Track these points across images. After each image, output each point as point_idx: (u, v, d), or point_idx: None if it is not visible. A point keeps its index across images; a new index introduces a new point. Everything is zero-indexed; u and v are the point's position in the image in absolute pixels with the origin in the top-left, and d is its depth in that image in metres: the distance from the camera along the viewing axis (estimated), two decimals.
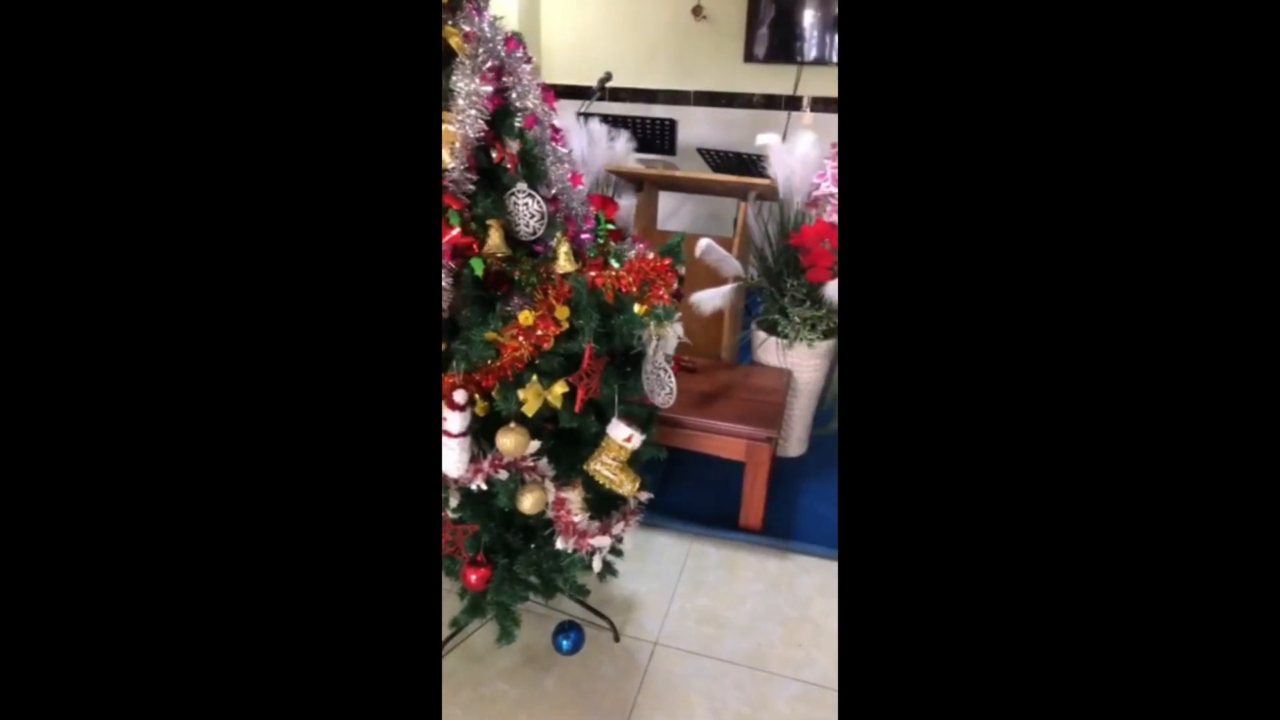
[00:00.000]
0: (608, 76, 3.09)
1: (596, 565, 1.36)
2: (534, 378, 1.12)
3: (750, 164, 2.47)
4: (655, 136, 2.78)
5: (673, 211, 3.64)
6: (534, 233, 1.23)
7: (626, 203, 2.24)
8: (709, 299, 1.91)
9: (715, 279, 2.00)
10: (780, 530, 1.91)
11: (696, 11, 3.50)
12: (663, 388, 1.23)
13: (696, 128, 3.61)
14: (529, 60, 1.18)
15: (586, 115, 2.45)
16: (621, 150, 2.28)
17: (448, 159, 1.12)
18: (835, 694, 1.45)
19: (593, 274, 1.14)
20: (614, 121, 2.48)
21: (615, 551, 1.45)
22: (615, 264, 1.24)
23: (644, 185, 2.25)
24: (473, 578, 1.31)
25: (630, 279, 1.13)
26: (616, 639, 1.58)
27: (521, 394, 1.11)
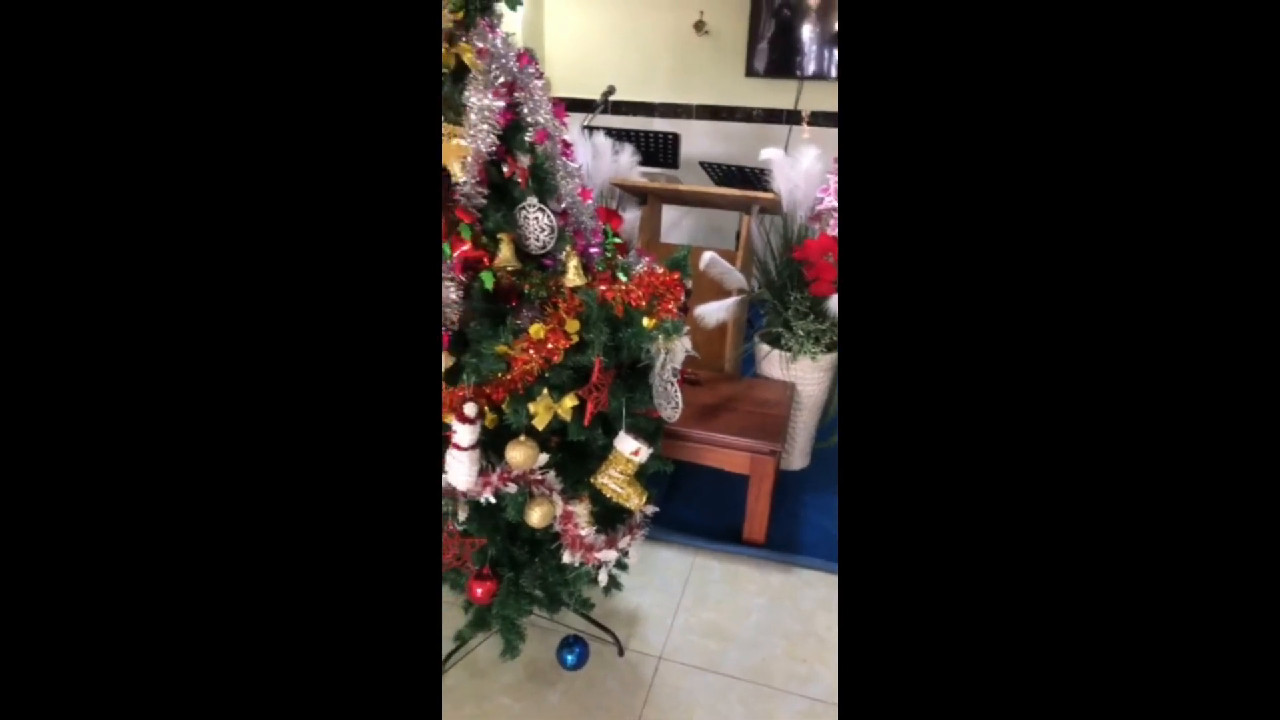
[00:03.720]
0: (611, 90, 3.12)
1: (602, 579, 1.36)
2: (544, 391, 1.12)
3: (753, 178, 2.49)
4: (658, 150, 2.80)
5: (674, 224, 3.66)
6: (544, 246, 1.24)
7: (630, 216, 2.25)
8: (713, 312, 1.92)
9: (719, 292, 2.01)
10: (784, 544, 1.90)
11: (698, 26, 3.54)
12: (670, 401, 1.23)
13: (698, 141, 3.63)
14: (540, 76, 1.19)
15: (591, 129, 2.47)
16: (625, 163, 2.29)
17: (459, 173, 1.13)
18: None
19: (603, 288, 1.14)
20: (618, 135, 2.49)
21: (620, 565, 1.44)
22: (623, 277, 1.24)
23: (648, 198, 2.27)
24: (478, 591, 1.31)
25: (640, 293, 1.14)
26: (621, 653, 1.57)
27: (532, 407, 1.11)
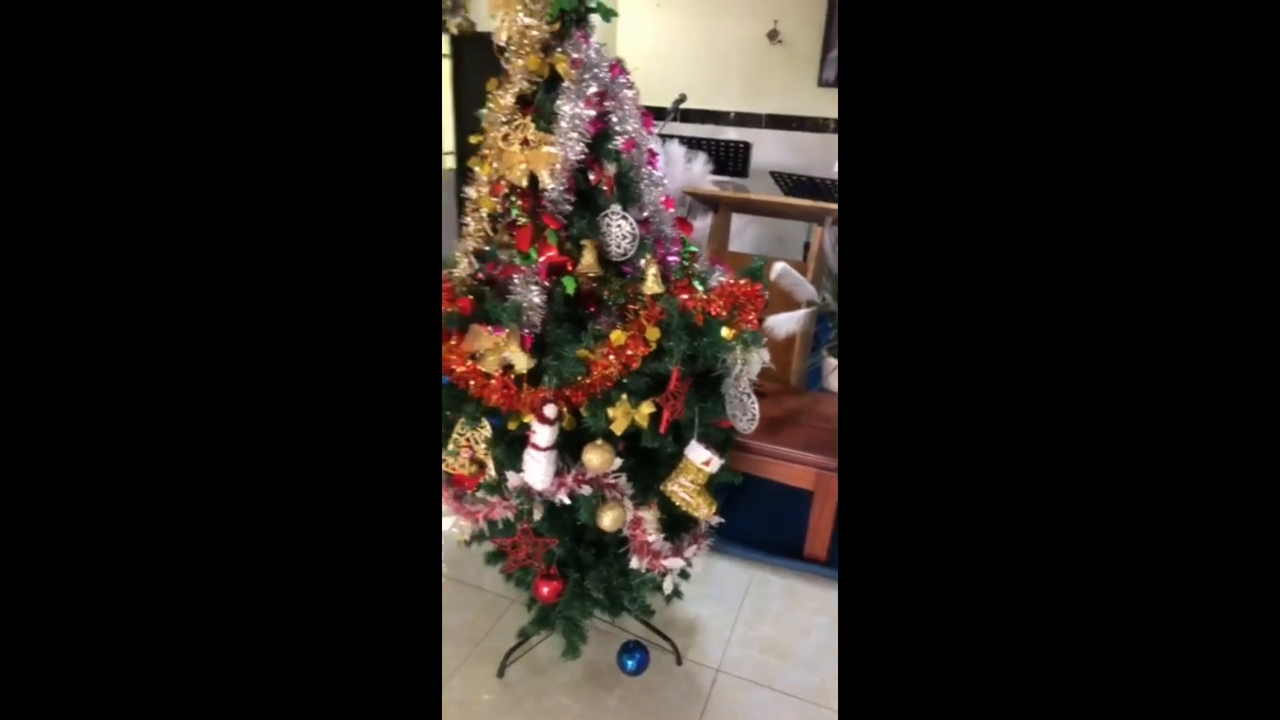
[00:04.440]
0: (682, 98, 3.13)
1: (668, 587, 1.36)
2: (623, 397, 1.13)
3: (824, 189, 2.46)
4: (729, 158, 2.79)
5: (738, 233, 3.64)
6: (624, 253, 1.25)
7: (700, 224, 2.25)
8: (783, 323, 1.90)
9: (788, 303, 1.99)
10: None
11: (772, 35, 3.52)
12: (745, 413, 1.23)
13: (767, 151, 3.61)
14: (631, 86, 1.21)
15: (663, 137, 2.49)
16: (698, 172, 2.30)
17: (548, 180, 1.16)
18: None
19: (684, 297, 1.15)
20: (691, 143, 2.50)
21: (683, 574, 1.44)
22: (699, 286, 1.24)
23: (719, 207, 2.26)
24: (545, 590, 1.33)
25: (721, 303, 1.14)
26: (679, 662, 1.56)
27: (611, 412, 1.12)
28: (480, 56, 3.17)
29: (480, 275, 1.31)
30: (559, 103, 1.15)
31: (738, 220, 3.56)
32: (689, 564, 1.39)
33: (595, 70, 1.16)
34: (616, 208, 1.22)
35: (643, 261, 1.25)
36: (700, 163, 2.29)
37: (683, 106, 3.25)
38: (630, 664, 1.46)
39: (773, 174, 2.80)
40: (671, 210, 1.31)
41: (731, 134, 3.57)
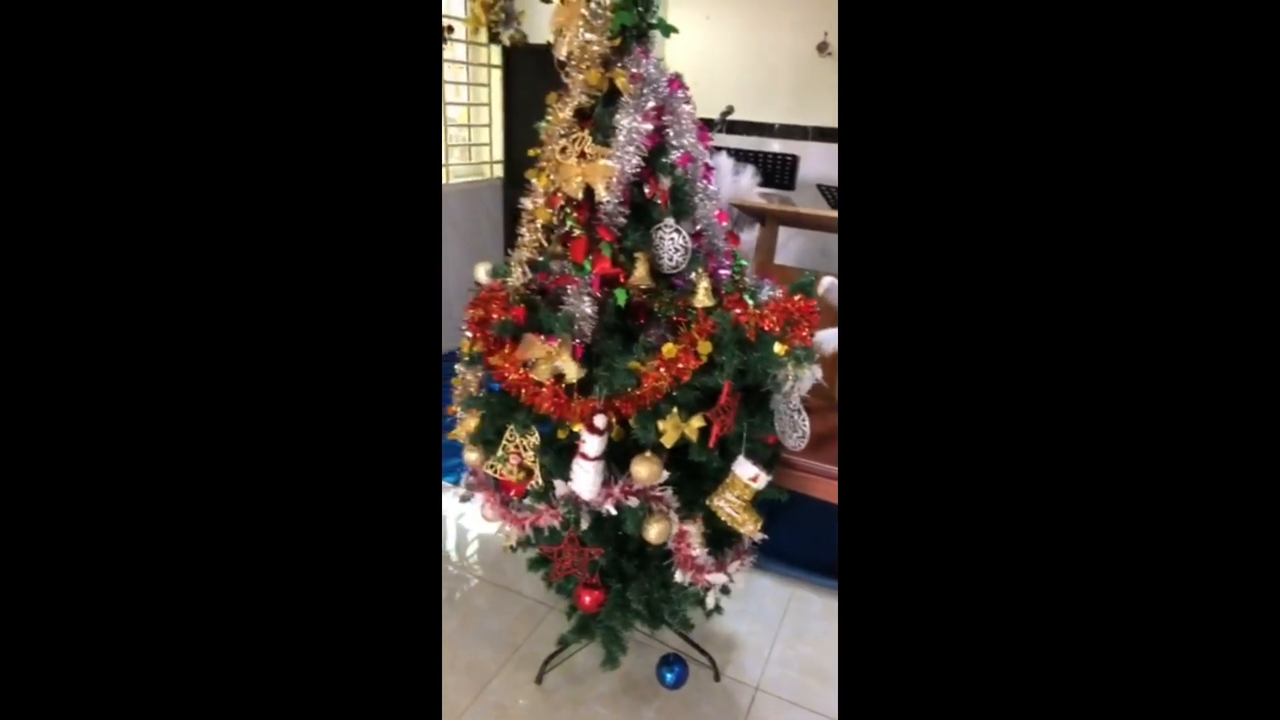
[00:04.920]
0: (730, 110, 3.14)
1: (710, 602, 1.35)
2: (674, 410, 1.13)
3: None
4: (776, 171, 2.78)
5: (782, 245, 3.62)
6: (676, 266, 1.25)
7: (746, 236, 2.24)
8: (830, 339, 1.87)
9: (834, 318, 1.97)
10: None
11: (822, 48, 3.50)
12: (795, 430, 1.22)
13: (814, 164, 3.58)
14: (689, 101, 1.21)
15: (714, 148, 2.49)
16: (745, 184, 2.29)
17: (603, 193, 1.17)
18: None
19: (737, 311, 1.14)
20: (739, 155, 2.50)
21: (725, 590, 1.43)
22: (749, 300, 1.24)
23: (766, 220, 2.25)
24: (587, 599, 1.33)
25: (774, 318, 1.13)
26: (717, 678, 1.55)
27: (660, 425, 1.12)
28: (531, 67, 3.23)
29: (533, 285, 1.33)
30: (617, 117, 1.16)
31: (782, 233, 3.54)
32: (731, 580, 1.38)
33: (654, 85, 1.17)
34: (670, 221, 1.23)
35: (694, 275, 1.25)
36: (748, 175, 2.28)
37: (730, 118, 3.25)
38: (669, 677, 1.45)
39: (819, 187, 2.77)
40: (724, 224, 1.31)
41: (777, 146, 3.55)
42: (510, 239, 3.54)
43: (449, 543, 2.03)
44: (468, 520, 2.10)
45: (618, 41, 1.16)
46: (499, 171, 3.48)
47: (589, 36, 1.15)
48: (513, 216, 3.48)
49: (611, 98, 1.19)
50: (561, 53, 1.19)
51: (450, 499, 2.18)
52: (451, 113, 3.20)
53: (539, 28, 3.20)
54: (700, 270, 1.24)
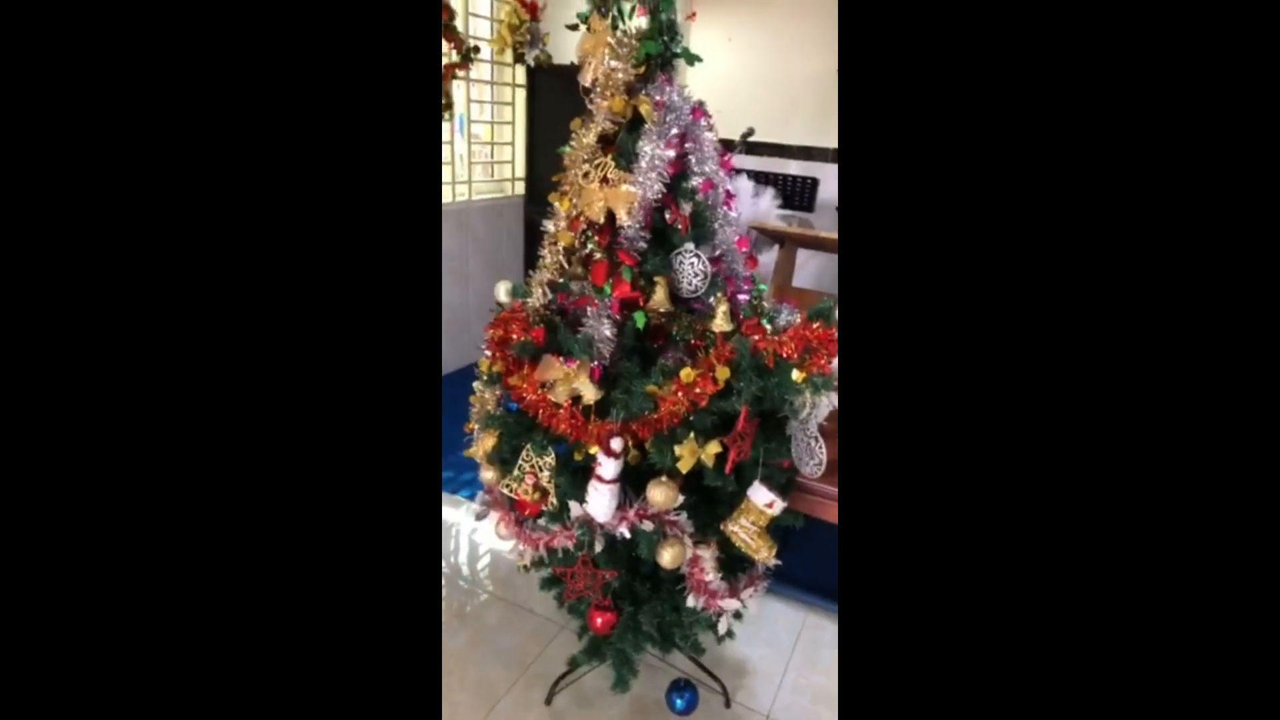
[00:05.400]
0: (750, 131, 3.15)
1: (723, 627, 1.34)
2: (690, 435, 1.13)
3: None
4: (796, 194, 2.79)
5: (800, 266, 3.62)
6: (695, 291, 1.26)
7: (765, 258, 2.25)
8: None
9: None
10: None
11: None
12: (813, 457, 1.21)
13: (834, 186, 3.58)
14: (711, 129, 1.23)
15: (734, 170, 2.51)
16: (765, 206, 2.30)
17: (625, 218, 1.18)
18: None
19: (756, 338, 1.15)
20: (759, 178, 2.51)
21: (737, 615, 1.42)
22: (767, 324, 1.24)
23: (784, 242, 2.26)
24: (598, 621, 1.33)
25: (792, 345, 1.13)
26: (728, 705, 1.53)
27: (677, 449, 1.13)
28: (554, 86, 3.28)
29: (552, 306, 1.34)
30: (640, 143, 1.18)
31: (801, 254, 3.54)
32: (744, 606, 1.37)
33: (677, 113, 1.18)
34: (690, 246, 1.24)
35: (713, 299, 1.26)
36: (768, 198, 2.29)
37: (750, 139, 3.27)
38: (680, 703, 1.44)
39: (839, 210, 2.78)
40: (745, 250, 1.31)
41: (795, 168, 3.56)
42: (530, 254, 3.58)
43: (461, 557, 2.04)
44: (480, 535, 2.10)
45: (642, 70, 1.18)
46: (520, 189, 3.53)
47: (614, 64, 1.17)
48: (532, 232, 3.52)
49: (635, 124, 1.21)
50: (587, 79, 1.21)
51: (465, 515, 2.19)
52: (476, 130, 3.25)
53: (562, 48, 3.25)
54: (719, 295, 1.25)
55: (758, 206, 2.29)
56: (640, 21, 1.17)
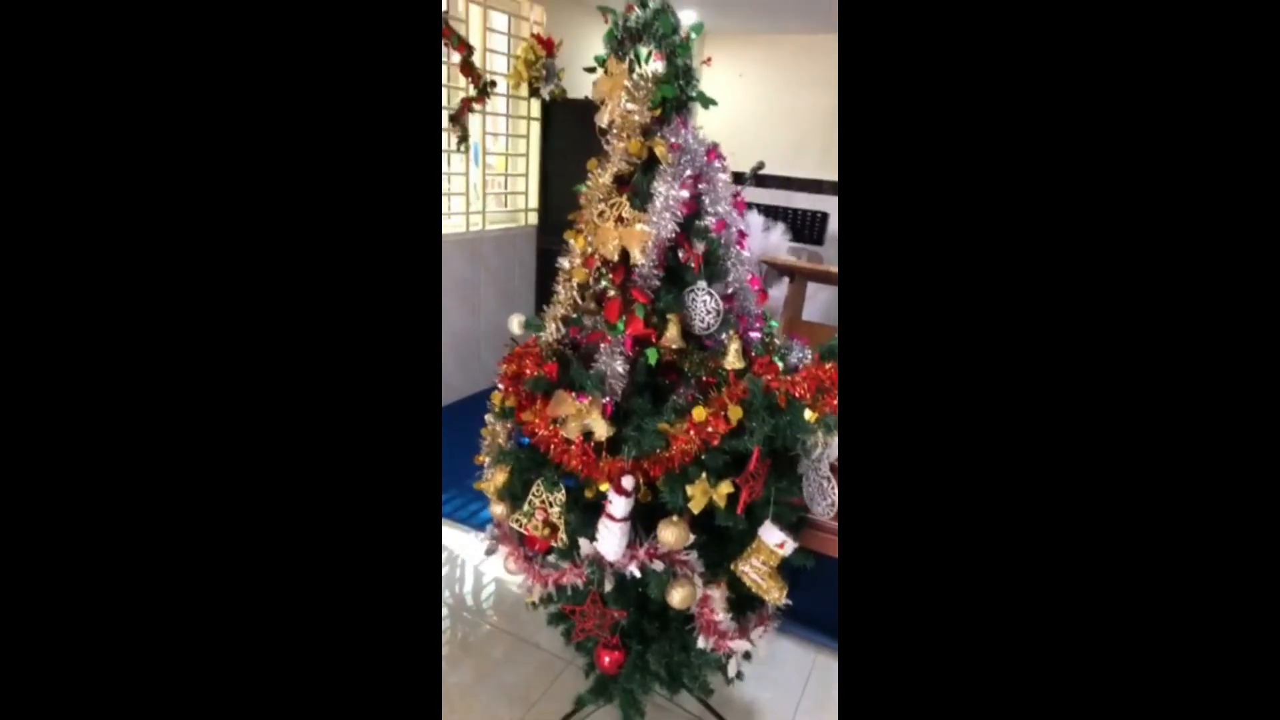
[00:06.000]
0: (760, 165, 3.19)
1: (733, 669, 1.32)
2: (702, 475, 1.13)
3: None
4: (806, 227, 2.82)
5: (810, 297, 3.63)
6: (707, 328, 1.27)
7: (775, 292, 2.26)
8: None
9: None
10: None
11: None
12: (825, 497, 1.20)
13: None
14: (725, 170, 1.25)
15: (746, 205, 2.54)
16: (776, 240, 2.32)
17: (639, 256, 1.20)
18: None
19: (768, 377, 1.15)
20: (770, 212, 2.54)
21: (747, 656, 1.40)
22: (779, 362, 1.24)
23: (794, 276, 2.27)
24: (606, 660, 1.31)
25: (805, 385, 1.13)
26: None
27: (689, 489, 1.12)
28: (568, 119, 3.34)
29: (565, 340, 1.35)
30: (655, 184, 1.19)
31: (810, 286, 3.56)
32: (754, 646, 1.35)
33: (692, 155, 1.20)
34: (702, 284, 1.25)
35: (725, 336, 1.26)
36: (778, 232, 2.31)
37: (760, 173, 3.31)
38: None
39: None
40: (757, 287, 1.32)
41: (804, 200, 3.60)
42: (542, 283, 3.61)
43: (466, 587, 2.02)
44: (486, 566, 2.09)
45: (658, 112, 1.20)
46: (533, 219, 3.57)
47: (630, 106, 1.20)
48: (544, 261, 3.55)
49: (650, 165, 1.23)
50: (603, 120, 1.23)
51: (473, 545, 2.18)
52: (491, 161, 3.31)
53: (576, 83, 3.32)
54: (731, 332, 1.26)
55: (769, 240, 2.31)
56: (657, 65, 1.20)
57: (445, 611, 1.90)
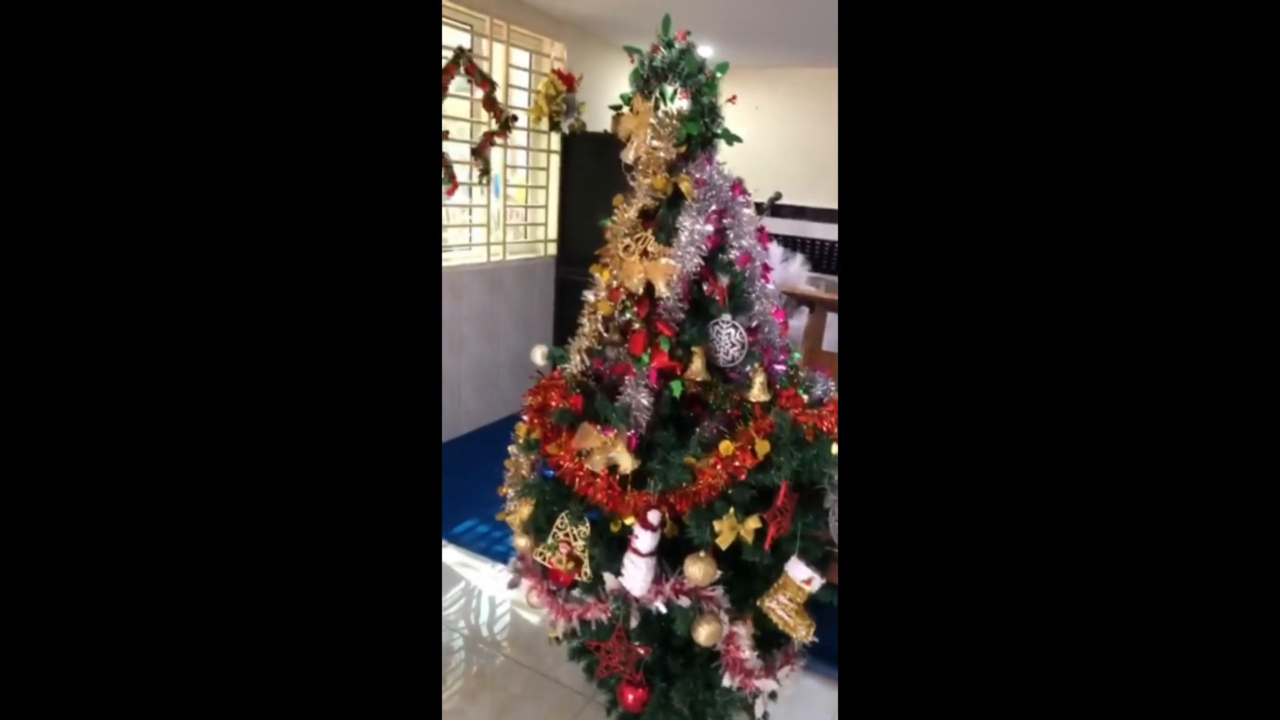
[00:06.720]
0: (777, 196, 3.22)
1: (759, 710, 1.29)
2: (730, 510, 1.12)
3: None
4: (825, 257, 2.82)
5: (830, 324, 3.63)
6: (732, 361, 1.27)
7: (795, 323, 2.26)
8: None
9: None
10: None
11: None
12: None
13: None
14: (749, 205, 1.26)
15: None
16: (795, 271, 2.33)
17: (664, 290, 1.21)
18: None
19: (795, 411, 1.15)
20: (789, 243, 2.55)
21: (772, 695, 1.37)
22: (803, 394, 1.24)
23: (815, 307, 2.27)
24: (630, 697, 1.29)
25: (832, 419, 1.13)
26: None
27: (717, 525, 1.11)
28: (588, 152, 3.40)
29: (589, 372, 1.35)
30: (680, 219, 1.21)
31: (829, 316, 3.55)
32: (780, 685, 1.32)
33: (717, 190, 1.22)
34: (727, 317, 1.26)
35: (750, 369, 1.26)
36: (798, 263, 2.32)
37: (777, 203, 3.34)
38: None
39: None
40: (781, 319, 1.33)
41: (820, 230, 3.62)
42: (560, 313, 3.64)
43: (482, 618, 2.01)
44: (507, 601, 2.07)
45: (683, 149, 1.22)
46: (552, 250, 3.62)
47: (656, 144, 1.22)
48: (563, 292, 3.58)
49: (675, 200, 1.24)
50: (629, 157, 1.25)
51: (494, 578, 2.17)
52: (511, 193, 3.36)
53: (596, 116, 3.38)
54: (756, 365, 1.26)
55: (788, 270, 2.32)
56: (682, 103, 1.22)
57: (461, 643, 1.88)
